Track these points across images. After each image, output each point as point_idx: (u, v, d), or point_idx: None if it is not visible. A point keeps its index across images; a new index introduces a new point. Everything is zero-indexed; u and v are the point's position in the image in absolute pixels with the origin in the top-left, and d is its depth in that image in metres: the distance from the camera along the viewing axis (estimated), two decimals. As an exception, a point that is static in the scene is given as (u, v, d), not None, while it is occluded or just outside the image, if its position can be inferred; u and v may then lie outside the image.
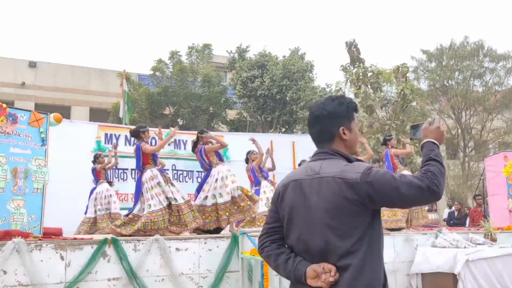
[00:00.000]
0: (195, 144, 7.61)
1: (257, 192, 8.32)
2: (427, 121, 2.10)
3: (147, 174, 6.60)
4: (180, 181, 10.62)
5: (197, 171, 11.42)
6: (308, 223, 1.90)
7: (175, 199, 6.54)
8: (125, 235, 6.15)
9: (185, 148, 11.40)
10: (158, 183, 6.52)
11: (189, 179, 11.19)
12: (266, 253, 2.06)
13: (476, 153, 21.79)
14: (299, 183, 1.98)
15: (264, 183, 8.64)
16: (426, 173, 1.85)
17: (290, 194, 1.99)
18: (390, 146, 8.52)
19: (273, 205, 2.10)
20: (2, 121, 6.26)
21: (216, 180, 7.06)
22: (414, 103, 19.85)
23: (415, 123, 2.19)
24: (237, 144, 10.01)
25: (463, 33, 30.29)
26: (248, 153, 8.91)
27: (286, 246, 2.03)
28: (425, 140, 2.04)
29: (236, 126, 20.71)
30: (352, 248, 1.80)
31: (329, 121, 2.03)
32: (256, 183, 8.63)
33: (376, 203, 1.85)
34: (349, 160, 1.99)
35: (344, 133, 2.03)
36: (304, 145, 12.75)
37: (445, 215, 14.48)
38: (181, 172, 11.02)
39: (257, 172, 8.64)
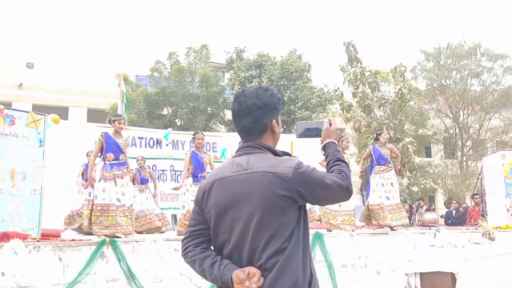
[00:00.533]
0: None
1: None
2: (326, 122, 2.07)
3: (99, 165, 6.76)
4: (178, 182, 10.61)
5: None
6: (238, 223, 1.80)
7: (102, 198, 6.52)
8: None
9: (183, 149, 11.40)
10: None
11: None
12: (190, 258, 1.94)
13: (474, 152, 21.84)
14: (225, 181, 1.87)
15: None
16: (341, 173, 1.88)
17: (216, 193, 1.88)
18: (381, 141, 8.47)
19: (196, 206, 1.97)
20: (-1, 122, 6.25)
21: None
22: (412, 103, 19.90)
23: (303, 121, 2.16)
24: (235, 145, 9.99)
25: (460, 33, 30.42)
26: None
27: (212, 249, 1.94)
28: (328, 140, 2.05)
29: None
30: (281, 247, 1.75)
31: (262, 113, 1.92)
32: None
33: (305, 199, 1.81)
34: (277, 154, 1.92)
35: (275, 126, 1.97)
36: (303, 145, 12.80)
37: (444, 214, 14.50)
38: (179, 173, 11.01)
39: None
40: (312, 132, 2.11)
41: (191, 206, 6.81)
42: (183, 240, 2.00)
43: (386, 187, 7.99)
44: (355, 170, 11.57)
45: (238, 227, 1.80)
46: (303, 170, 1.81)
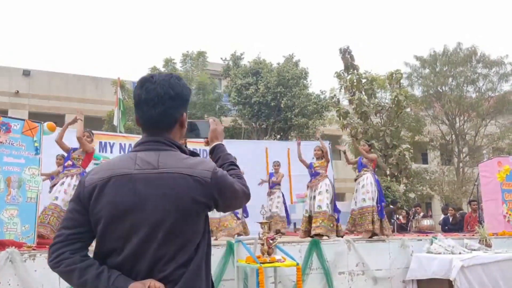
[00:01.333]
0: None
1: None
2: (212, 122, 1.93)
3: None
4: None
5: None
6: (139, 229, 1.54)
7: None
8: None
9: None
10: None
11: None
12: (67, 268, 1.57)
13: (470, 158, 21.89)
14: (127, 179, 1.58)
15: None
16: (242, 179, 1.76)
17: (113, 192, 1.57)
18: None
19: (78, 204, 1.62)
20: (-5, 130, 6.24)
21: None
22: (408, 109, 19.96)
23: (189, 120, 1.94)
24: (232, 152, 9.96)
25: (456, 38, 30.74)
26: None
27: (91, 256, 1.62)
28: (216, 143, 1.91)
29: (231, 133, 20.71)
30: (189, 257, 1.57)
31: (174, 104, 1.69)
32: None
33: (217, 206, 1.67)
34: (185, 153, 1.72)
35: (185, 120, 1.77)
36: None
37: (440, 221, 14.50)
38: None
39: None
40: (197, 132, 1.94)
41: None
42: (53, 245, 1.61)
43: (357, 193, 8.00)
44: (351, 176, 11.61)
45: (139, 235, 1.54)
46: (220, 174, 1.65)
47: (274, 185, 10.39)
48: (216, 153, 1.88)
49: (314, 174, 8.17)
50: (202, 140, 1.93)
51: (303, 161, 8.65)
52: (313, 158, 8.49)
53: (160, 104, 1.66)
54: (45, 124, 7.13)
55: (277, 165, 10.53)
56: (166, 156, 1.64)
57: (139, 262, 1.55)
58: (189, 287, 1.56)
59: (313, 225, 7.53)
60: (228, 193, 1.67)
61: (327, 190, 7.79)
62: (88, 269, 1.56)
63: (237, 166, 1.84)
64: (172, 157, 1.64)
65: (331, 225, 7.53)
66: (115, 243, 1.57)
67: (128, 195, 1.56)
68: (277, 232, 9.69)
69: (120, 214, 1.55)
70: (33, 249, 5.21)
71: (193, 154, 1.74)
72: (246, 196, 1.74)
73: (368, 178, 7.88)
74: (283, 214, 10.26)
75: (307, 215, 7.88)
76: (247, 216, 8.86)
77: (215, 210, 1.70)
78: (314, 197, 7.86)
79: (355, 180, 8.21)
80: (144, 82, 1.70)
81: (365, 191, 7.80)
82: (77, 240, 1.60)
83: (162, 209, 1.54)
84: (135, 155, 1.65)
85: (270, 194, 10.37)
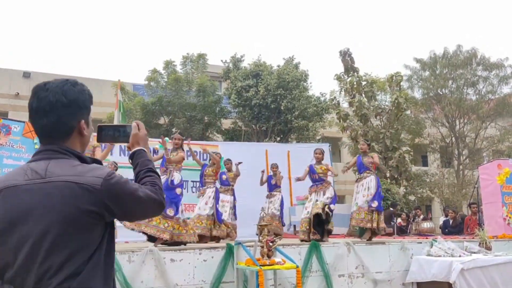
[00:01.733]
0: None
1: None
2: (134, 127, 1.84)
3: None
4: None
5: (192, 181, 11.42)
6: (26, 242, 1.49)
7: None
8: None
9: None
10: None
11: (184, 189, 11.22)
12: None
13: (470, 161, 21.89)
14: (15, 190, 1.54)
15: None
16: (155, 186, 1.68)
17: (2, 205, 1.54)
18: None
19: None
20: (-5, 132, 6.24)
21: None
22: (408, 112, 19.98)
23: (106, 124, 1.89)
24: (232, 154, 10.02)
25: (456, 40, 30.83)
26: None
27: None
28: (138, 148, 1.82)
29: (231, 136, 20.71)
30: (76, 271, 1.48)
31: (68, 112, 1.62)
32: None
33: (115, 214, 1.58)
34: (85, 161, 1.65)
35: (83, 128, 1.68)
36: (299, 154, 12.83)
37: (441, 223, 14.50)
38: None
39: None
40: (116, 137, 1.86)
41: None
42: None
43: (358, 194, 8.01)
44: (352, 178, 11.61)
45: (26, 247, 1.48)
46: (114, 181, 1.57)
47: (274, 188, 10.38)
48: (135, 159, 1.80)
49: (318, 180, 8.16)
50: (128, 144, 1.84)
51: (301, 179, 8.52)
52: (312, 159, 8.45)
53: (52, 113, 1.61)
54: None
55: (275, 167, 10.52)
56: (55, 165, 1.58)
57: (28, 275, 1.49)
58: None
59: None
60: (126, 200, 1.58)
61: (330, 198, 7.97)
62: None
63: (155, 172, 1.76)
64: (62, 165, 1.58)
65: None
66: (7, 257, 1.51)
67: (14, 207, 1.52)
68: (277, 234, 9.69)
69: (8, 227, 1.51)
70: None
71: (95, 161, 1.68)
72: (155, 203, 1.65)
73: (372, 181, 7.95)
74: (279, 214, 10.24)
75: (309, 216, 7.87)
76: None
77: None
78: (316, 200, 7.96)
79: (356, 181, 8.21)
80: (37, 91, 1.64)
81: (369, 193, 7.88)
82: None
83: (46, 219, 1.49)
84: (27, 166, 1.62)
85: (270, 196, 10.35)
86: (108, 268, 1.59)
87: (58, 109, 1.61)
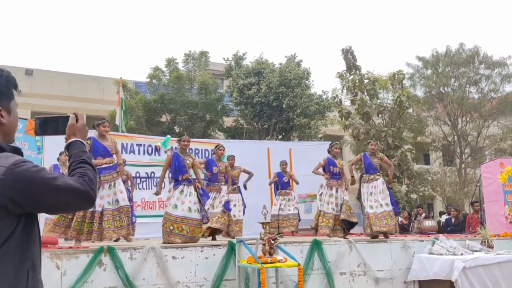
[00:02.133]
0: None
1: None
2: (72, 117, 1.79)
3: None
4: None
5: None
6: None
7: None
8: None
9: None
10: None
11: None
12: None
13: (472, 159, 21.85)
14: None
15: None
16: (84, 177, 1.58)
17: None
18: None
19: None
20: (-2, 129, 6.24)
21: None
22: (410, 110, 19.93)
23: (43, 115, 1.85)
24: (234, 152, 10.01)
25: (458, 38, 30.73)
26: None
27: None
28: (74, 139, 1.76)
29: (233, 134, 20.70)
30: None
31: None
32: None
33: (23, 207, 1.46)
34: (3, 150, 1.55)
35: (1, 116, 1.59)
36: (300, 152, 12.82)
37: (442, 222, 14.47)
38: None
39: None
40: (54, 128, 1.81)
41: (171, 212, 6.80)
42: None
43: (374, 196, 7.96)
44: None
45: None
46: (21, 169, 1.45)
47: (286, 186, 10.34)
48: (70, 150, 1.73)
49: (338, 175, 8.26)
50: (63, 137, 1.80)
51: (318, 173, 8.56)
52: (334, 156, 8.45)
53: None
54: (48, 123, 7.14)
55: (284, 164, 10.45)
56: None
57: None
58: None
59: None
60: (36, 190, 1.45)
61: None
62: None
63: (88, 164, 1.66)
64: None
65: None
66: None
67: None
68: (292, 234, 9.71)
69: None
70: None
71: (15, 150, 1.60)
72: (79, 194, 1.53)
73: (383, 183, 8.01)
74: (297, 212, 10.24)
75: (335, 213, 8.01)
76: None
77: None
78: (336, 197, 8.17)
79: (364, 181, 8.15)
80: None
81: (385, 195, 7.92)
82: None
83: None
84: None
85: (284, 194, 10.28)
86: (21, 264, 1.48)
87: None
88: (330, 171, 8.26)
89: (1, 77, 1.60)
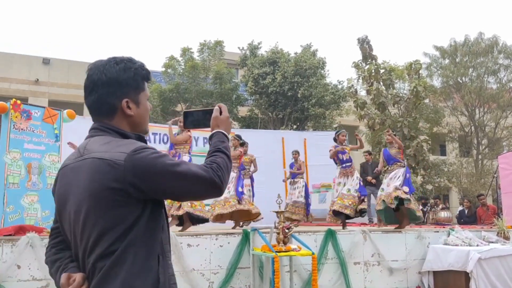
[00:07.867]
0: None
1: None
2: (216, 109, 1.81)
3: None
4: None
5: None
6: (72, 219, 1.50)
7: None
8: None
9: (196, 145, 11.45)
10: None
11: None
12: (46, 260, 1.64)
13: (489, 150, 21.61)
14: (65, 170, 1.58)
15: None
16: (212, 164, 1.56)
17: (58, 184, 1.60)
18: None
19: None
20: (16, 117, 6.34)
21: None
22: (426, 100, 19.72)
23: (190, 109, 1.86)
24: (249, 141, 10.03)
25: (477, 28, 30.07)
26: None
27: (69, 250, 1.59)
28: (216, 130, 1.76)
29: (248, 123, 20.70)
30: (110, 249, 1.43)
31: (108, 91, 1.59)
32: None
33: (145, 192, 1.46)
34: (126, 137, 1.59)
35: (128, 107, 1.61)
36: (315, 142, 12.81)
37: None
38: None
39: None
40: (200, 122, 1.84)
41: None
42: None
43: (390, 181, 7.86)
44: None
45: (73, 224, 1.51)
46: (141, 155, 1.46)
47: (295, 175, 10.35)
48: (212, 141, 1.74)
49: (347, 161, 8.22)
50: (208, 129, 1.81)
51: (333, 158, 8.55)
52: (341, 143, 8.42)
53: (94, 91, 1.60)
54: (65, 111, 7.22)
55: (295, 153, 10.47)
56: (93, 142, 1.56)
57: (76, 254, 1.53)
58: (108, 283, 1.42)
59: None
60: (156, 176, 1.45)
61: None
62: (55, 263, 1.58)
63: (223, 152, 1.66)
64: (98, 142, 1.54)
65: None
66: (67, 234, 1.57)
67: (63, 185, 1.57)
68: (298, 221, 9.68)
69: (62, 205, 1.56)
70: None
71: (140, 138, 1.63)
72: (204, 181, 1.51)
73: (400, 171, 7.80)
74: (304, 201, 10.19)
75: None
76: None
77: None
78: (345, 183, 8.17)
79: (383, 173, 8.17)
80: (88, 69, 1.65)
81: (397, 178, 7.71)
82: (57, 234, 1.65)
83: (79, 197, 1.48)
84: (81, 145, 1.62)
85: (293, 183, 10.30)
86: (152, 246, 1.50)
87: (99, 88, 1.59)
88: (340, 158, 8.29)
89: (130, 70, 1.63)
